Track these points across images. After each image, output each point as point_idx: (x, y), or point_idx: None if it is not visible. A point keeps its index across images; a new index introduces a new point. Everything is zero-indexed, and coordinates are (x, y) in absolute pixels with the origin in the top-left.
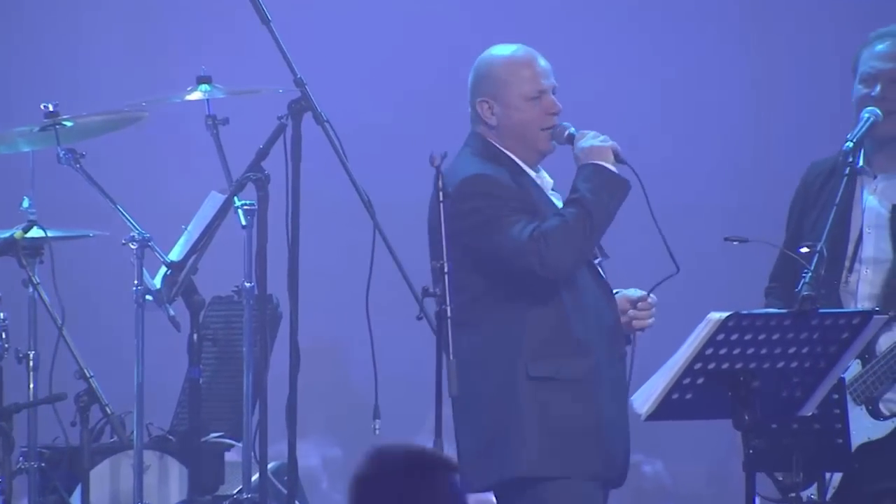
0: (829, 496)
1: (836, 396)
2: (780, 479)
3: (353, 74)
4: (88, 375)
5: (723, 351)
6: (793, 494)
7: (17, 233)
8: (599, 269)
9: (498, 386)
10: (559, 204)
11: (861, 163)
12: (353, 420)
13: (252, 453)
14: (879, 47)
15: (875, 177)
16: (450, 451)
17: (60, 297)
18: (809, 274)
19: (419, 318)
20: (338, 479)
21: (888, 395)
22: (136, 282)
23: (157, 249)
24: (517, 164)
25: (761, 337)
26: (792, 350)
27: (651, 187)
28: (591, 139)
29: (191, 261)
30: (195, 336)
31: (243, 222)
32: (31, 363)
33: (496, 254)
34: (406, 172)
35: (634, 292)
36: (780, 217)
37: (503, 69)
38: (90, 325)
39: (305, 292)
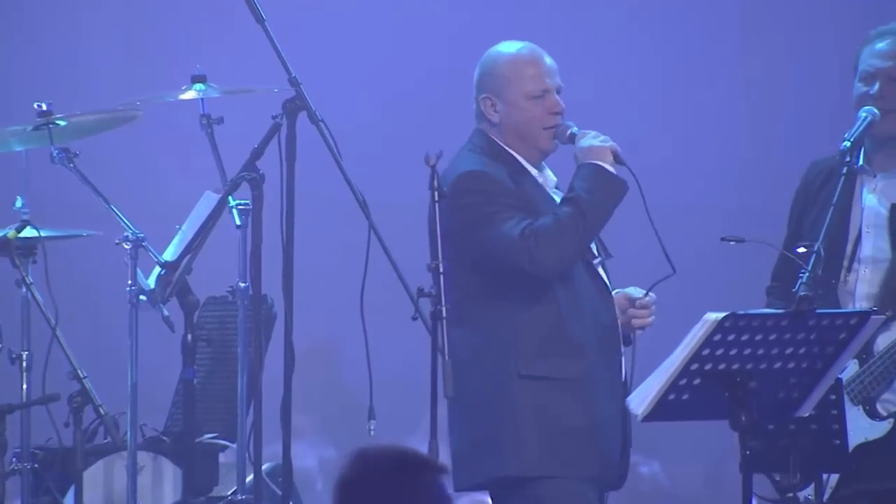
0: (826, 497)
1: (833, 397)
2: (778, 479)
3: (348, 73)
4: (82, 376)
5: (719, 351)
6: (790, 495)
7: (11, 232)
8: (599, 269)
9: (490, 384)
10: None
11: (861, 162)
12: (347, 421)
13: (246, 454)
14: (879, 45)
15: (875, 176)
16: (445, 451)
17: (54, 298)
18: (806, 274)
19: (414, 319)
20: (333, 480)
21: (885, 396)
22: (129, 282)
23: (151, 249)
24: (519, 162)
25: (758, 337)
26: (789, 350)
27: (650, 187)
28: (590, 139)
29: (185, 261)
30: (189, 336)
31: (238, 222)
32: (24, 364)
33: (487, 251)
34: (401, 172)
35: (634, 291)
36: (779, 217)
37: (507, 67)
38: (84, 326)
39: (300, 292)
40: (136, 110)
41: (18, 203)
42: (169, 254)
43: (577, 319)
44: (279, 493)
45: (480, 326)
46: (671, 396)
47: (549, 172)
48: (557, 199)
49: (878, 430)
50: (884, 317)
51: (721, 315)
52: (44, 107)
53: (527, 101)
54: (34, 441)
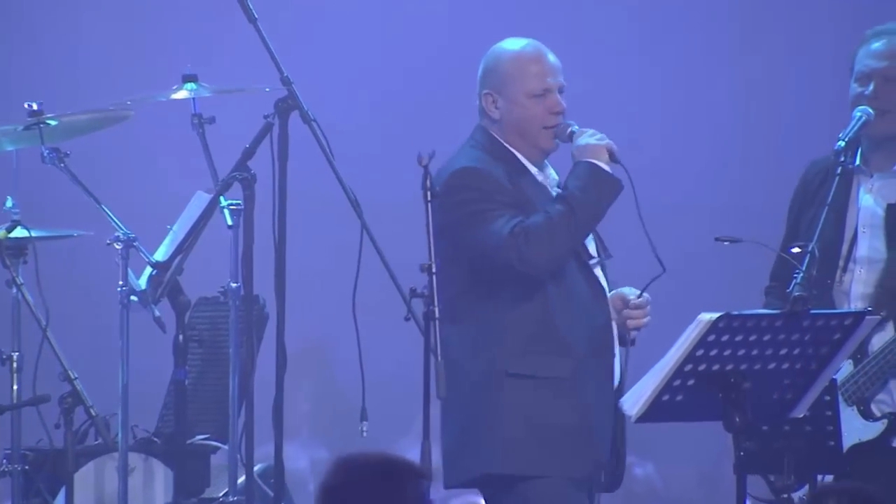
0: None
1: (827, 398)
2: (772, 480)
3: (340, 73)
4: (73, 377)
5: (713, 352)
6: (785, 496)
7: (1, 233)
8: (595, 269)
9: (478, 382)
10: None
11: (858, 162)
12: (340, 422)
13: (238, 455)
14: (875, 45)
15: (871, 176)
16: (438, 453)
17: (44, 298)
18: (801, 274)
19: (407, 319)
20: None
21: (880, 396)
22: (120, 282)
23: (143, 250)
24: (519, 161)
25: (752, 338)
26: (783, 351)
27: (646, 186)
28: (587, 137)
29: (176, 261)
30: (181, 337)
31: (229, 222)
32: (14, 364)
33: (478, 248)
34: (394, 172)
35: (628, 291)
36: (775, 216)
37: (510, 64)
38: (75, 326)
39: (292, 293)
40: (127, 110)
41: (9, 203)
42: (160, 254)
43: (568, 318)
44: (271, 494)
45: (472, 324)
46: (665, 397)
47: (551, 171)
48: None
49: (872, 430)
50: (878, 317)
51: (715, 315)
52: (34, 106)
53: (528, 100)
54: (25, 442)
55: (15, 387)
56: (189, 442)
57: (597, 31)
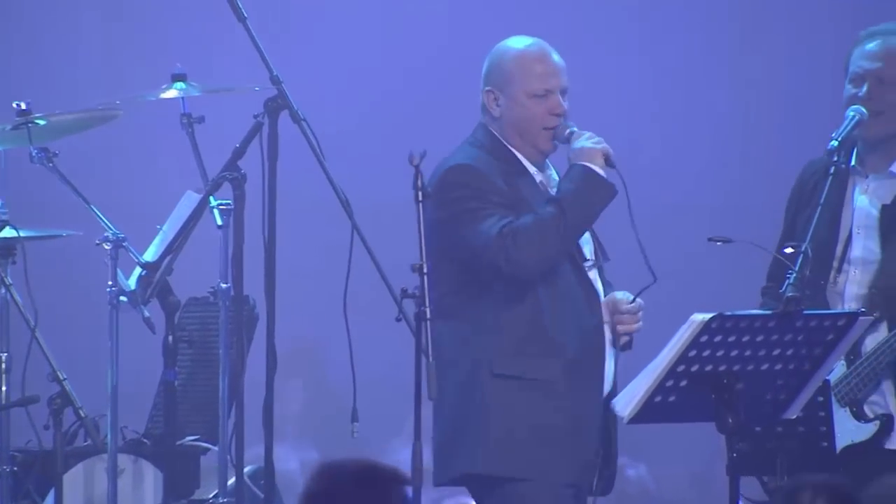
0: None
1: (821, 399)
2: (766, 481)
3: (330, 72)
4: (62, 378)
5: (706, 353)
6: None
7: None
8: (590, 272)
9: (464, 381)
10: None
11: (854, 162)
12: (330, 423)
13: (228, 457)
14: (869, 46)
15: (867, 176)
16: (429, 454)
17: (33, 299)
18: (794, 275)
19: (398, 320)
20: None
21: (873, 398)
22: (110, 283)
23: (132, 250)
24: (518, 160)
25: (745, 338)
26: (776, 352)
27: (643, 186)
28: (584, 140)
29: (166, 261)
30: (170, 338)
31: (219, 222)
32: (3, 365)
33: (467, 247)
34: (385, 172)
35: (622, 296)
36: (774, 216)
37: (513, 62)
38: (63, 327)
39: (282, 293)
40: (115, 109)
41: None
42: (150, 254)
43: (558, 321)
44: (261, 495)
45: (462, 322)
46: (657, 398)
47: (552, 172)
48: None
49: (865, 432)
50: (872, 318)
51: (708, 316)
52: (23, 106)
53: (528, 99)
54: (13, 443)
55: (3, 388)
56: (179, 443)
57: (596, 30)
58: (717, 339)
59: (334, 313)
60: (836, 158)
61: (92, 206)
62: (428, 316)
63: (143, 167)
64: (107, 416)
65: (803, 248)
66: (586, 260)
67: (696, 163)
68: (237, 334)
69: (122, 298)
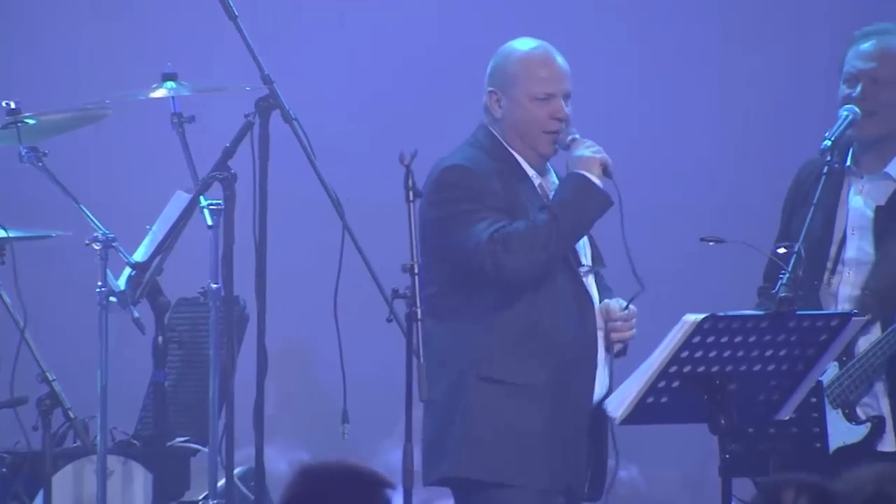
0: None
1: (813, 400)
2: (759, 482)
3: (321, 71)
4: (51, 379)
5: (699, 353)
6: None
7: None
8: (585, 277)
9: (453, 382)
10: None
11: (849, 163)
12: (321, 424)
13: (218, 458)
14: (863, 46)
15: (862, 177)
16: (420, 455)
17: (22, 299)
18: (787, 275)
19: (389, 320)
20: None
21: (865, 399)
22: (99, 283)
23: (122, 250)
24: (518, 164)
25: (738, 339)
26: (769, 352)
27: (642, 187)
28: (584, 149)
29: (156, 262)
30: (160, 338)
31: (209, 222)
32: None
33: (457, 248)
34: (376, 172)
35: (615, 303)
36: (771, 217)
37: (517, 64)
38: (53, 328)
39: (273, 294)
40: (105, 109)
41: None
42: (139, 254)
43: (549, 326)
44: (252, 497)
45: (453, 322)
46: (650, 399)
47: (553, 176)
48: None
49: (857, 434)
50: (864, 319)
51: (700, 317)
52: (12, 105)
53: (530, 102)
54: (2, 445)
55: None
56: (169, 444)
57: (590, 31)
58: (710, 339)
59: (325, 314)
60: (829, 158)
61: (81, 206)
62: (419, 316)
63: (133, 167)
64: (96, 417)
65: (796, 249)
66: (581, 265)
67: (692, 163)
68: (227, 335)
69: (112, 299)
